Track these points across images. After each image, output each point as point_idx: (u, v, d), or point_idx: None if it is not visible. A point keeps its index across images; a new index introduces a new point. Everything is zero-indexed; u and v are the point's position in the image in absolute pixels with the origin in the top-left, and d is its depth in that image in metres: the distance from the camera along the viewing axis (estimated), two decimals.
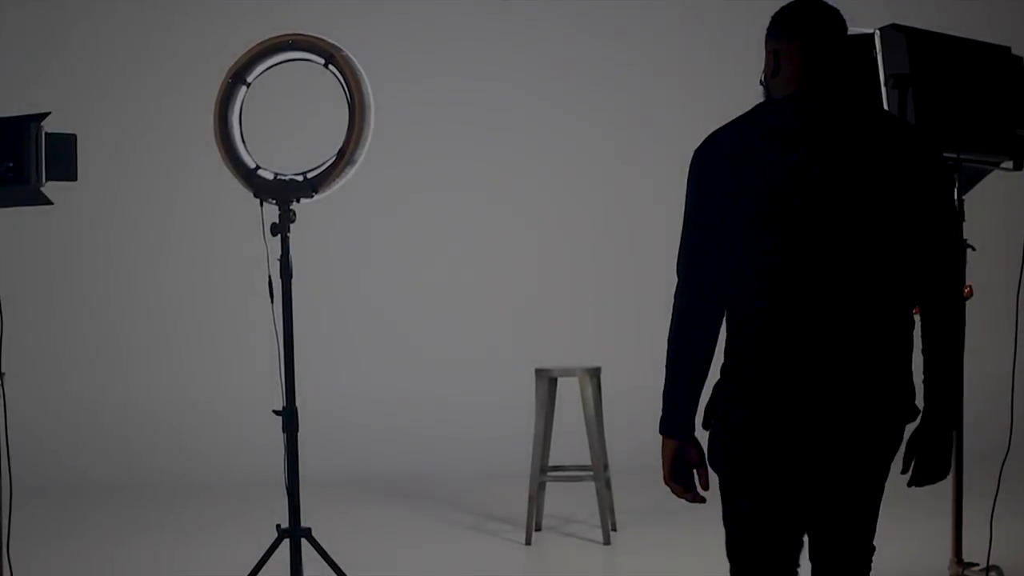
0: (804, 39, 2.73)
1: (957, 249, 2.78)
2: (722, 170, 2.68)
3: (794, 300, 2.62)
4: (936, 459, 2.72)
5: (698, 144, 2.77)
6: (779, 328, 2.63)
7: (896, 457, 2.76)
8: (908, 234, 2.63)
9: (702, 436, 2.75)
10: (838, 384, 2.62)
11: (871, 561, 2.83)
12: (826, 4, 2.78)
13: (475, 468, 7.36)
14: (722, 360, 2.73)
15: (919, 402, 2.73)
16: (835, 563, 2.80)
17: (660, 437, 2.76)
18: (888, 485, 2.80)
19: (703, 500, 2.78)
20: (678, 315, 2.72)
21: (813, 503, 2.74)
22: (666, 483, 2.76)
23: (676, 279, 2.75)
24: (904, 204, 2.62)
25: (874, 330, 2.64)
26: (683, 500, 2.79)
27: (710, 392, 2.75)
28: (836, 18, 2.77)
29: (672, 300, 2.74)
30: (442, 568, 5.42)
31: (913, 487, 2.75)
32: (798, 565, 2.77)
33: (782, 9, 2.80)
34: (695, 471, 2.74)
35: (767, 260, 2.63)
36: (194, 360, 7.78)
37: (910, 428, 2.74)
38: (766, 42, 2.82)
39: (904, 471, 2.74)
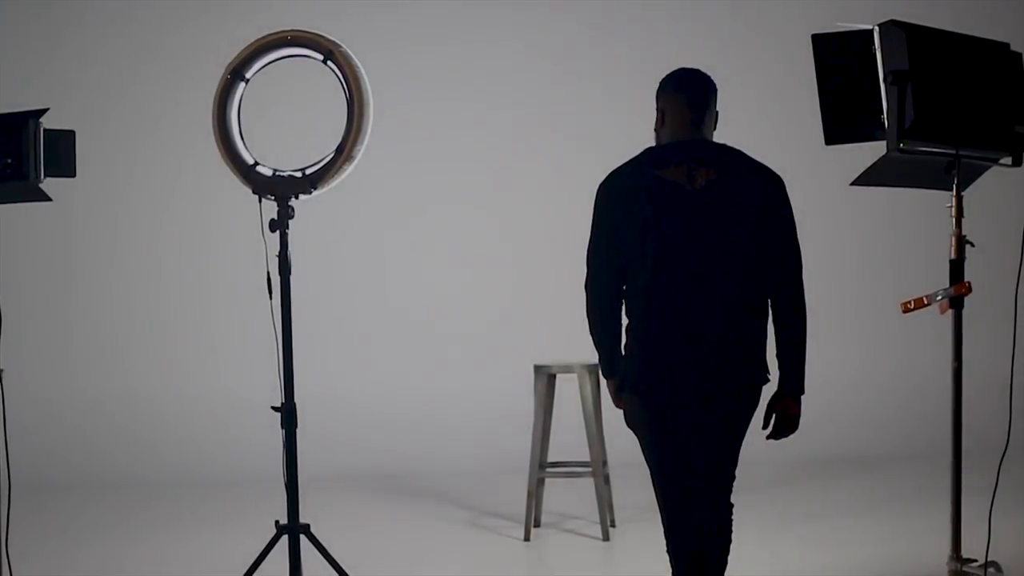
0: (685, 99, 3.62)
1: (798, 258, 3.57)
2: (621, 196, 3.59)
3: (677, 291, 3.49)
4: (788, 418, 3.58)
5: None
6: (665, 316, 3.50)
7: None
8: (762, 245, 3.50)
9: None
10: (709, 357, 3.48)
11: (730, 495, 3.66)
12: (699, 71, 3.67)
13: (474, 464, 7.37)
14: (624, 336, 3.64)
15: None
16: (706, 491, 3.61)
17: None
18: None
19: None
20: (591, 299, 3.66)
21: (695, 446, 3.56)
22: (617, 406, 3.72)
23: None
24: (760, 221, 3.49)
25: (737, 317, 3.49)
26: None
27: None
28: (708, 81, 3.66)
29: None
30: (441, 564, 5.42)
31: (770, 440, 3.62)
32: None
33: (667, 76, 3.70)
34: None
35: (655, 260, 3.49)
36: (193, 356, 7.78)
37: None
38: (656, 100, 3.70)
39: (764, 427, 3.60)
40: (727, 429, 3.56)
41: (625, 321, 3.65)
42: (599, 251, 3.63)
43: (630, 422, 3.66)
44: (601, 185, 3.67)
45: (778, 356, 3.54)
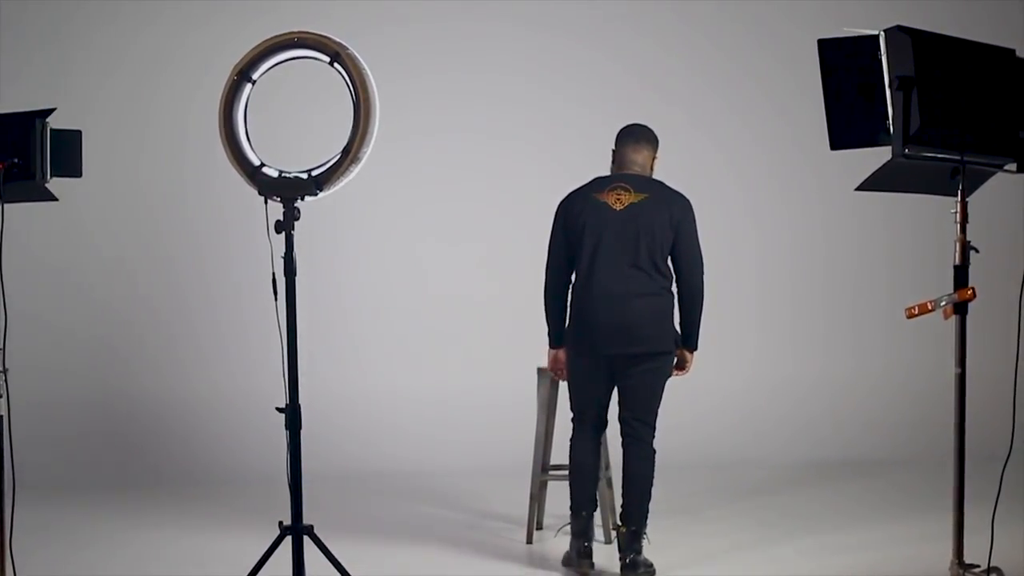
0: (627, 146, 5.15)
1: (701, 257, 5.05)
2: (570, 211, 5.11)
3: (604, 280, 4.95)
4: (684, 361, 5.15)
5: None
6: (596, 297, 4.96)
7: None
8: (673, 248, 4.98)
9: None
10: (628, 326, 4.91)
11: (654, 432, 5.09)
12: (644, 127, 5.19)
13: (477, 466, 7.37)
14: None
15: None
16: (634, 431, 5.05)
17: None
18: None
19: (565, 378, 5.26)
20: (548, 282, 5.20)
21: (620, 391, 5.08)
22: (551, 371, 5.37)
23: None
24: (670, 231, 4.97)
25: (646, 299, 4.93)
26: (561, 378, 5.36)
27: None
28: (648, 134, 5.18)
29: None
30: (443, 566, 5.42)
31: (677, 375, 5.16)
32: (604, 417, 5.18)
33: (621, 128, 5.20)
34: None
35: (589, 258, 5.00)
36: (198, 357, 7.79)
37: None
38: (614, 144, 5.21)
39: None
40: (646, 375, 4.98)
41: (571, 299, 5.08)
42: (553, 250, 5.16)
43: (569, 369, 5.14)
44: (561, 202, 5.17)
45: (680, 324, 5.06)
